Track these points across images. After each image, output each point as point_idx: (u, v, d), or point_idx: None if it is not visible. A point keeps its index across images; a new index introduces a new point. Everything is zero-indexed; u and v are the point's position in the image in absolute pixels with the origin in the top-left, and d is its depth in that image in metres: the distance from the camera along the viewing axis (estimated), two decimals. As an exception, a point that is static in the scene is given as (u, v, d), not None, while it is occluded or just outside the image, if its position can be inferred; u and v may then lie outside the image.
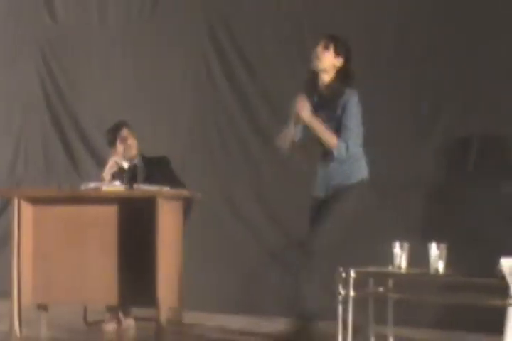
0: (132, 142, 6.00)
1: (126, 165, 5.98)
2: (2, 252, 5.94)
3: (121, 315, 5.86)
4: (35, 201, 5.54)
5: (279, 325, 5.86)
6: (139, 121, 6.35)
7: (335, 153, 4.73)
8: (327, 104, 4.81)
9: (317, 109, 4.80)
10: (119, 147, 6.00)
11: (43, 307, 5.70)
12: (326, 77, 4.86)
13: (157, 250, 5.24)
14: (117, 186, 5.58)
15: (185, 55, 7.04)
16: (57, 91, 7.71)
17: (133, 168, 5.97)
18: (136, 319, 5.89)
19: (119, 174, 5.93)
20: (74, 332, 5.73)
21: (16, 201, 5.47)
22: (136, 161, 6.01)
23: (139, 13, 7.34)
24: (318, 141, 4.80)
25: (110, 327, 5.81)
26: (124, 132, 6.01)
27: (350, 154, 4.74)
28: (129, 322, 5.89)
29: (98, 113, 7.35)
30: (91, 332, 5.78)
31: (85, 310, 5.90)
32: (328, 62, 4.83)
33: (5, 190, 6.01)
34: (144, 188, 5.46)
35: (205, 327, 5.98)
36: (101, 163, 6.32)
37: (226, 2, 6.93)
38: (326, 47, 4.83)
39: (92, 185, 5.50)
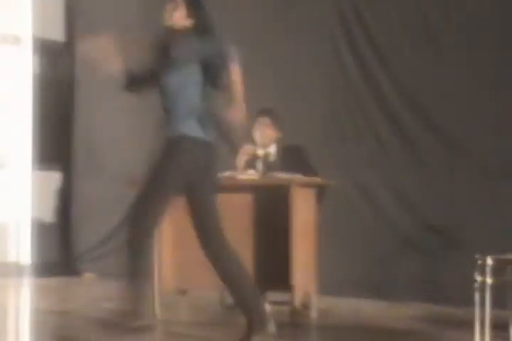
0: (268, 130, 6.04)
1: (261, 152, 6.08)
2: None
3: None
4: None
5: (412, 310, 5.96)
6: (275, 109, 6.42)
7: None
8: None
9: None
10: (256, 134, 6.07)
11: (182, 292, 5.92)
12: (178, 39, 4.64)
13: (292, 236, 5.35)
14: (252, 174, 5.71)
15: (315, 42, 7.09)
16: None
17: (267, 156, 6.06)
18: (271, 303, 5.98)
19: (253, 161, 6.04)
20: (211, 316, 5.92)
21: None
22: (270, 149, 6.08)
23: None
24: None
25: None
26: (262, 120, 6.05)
27: None
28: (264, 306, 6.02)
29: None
30: (227, 316, 5.92)
31: (222, 294, 6.03)
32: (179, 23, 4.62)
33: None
34: (278, 176, 5.58)
35: (339, 312, 6.10)
36: (235, 150, 6.44)
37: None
38: (176, 8, 4.63)
39: (227, 173, 5.65)
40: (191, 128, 4.46)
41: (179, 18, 4.60)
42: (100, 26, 8.30)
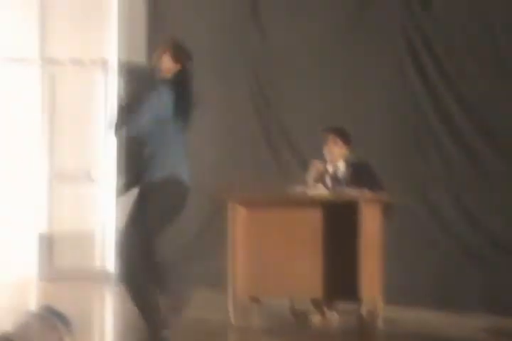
0: (336, 147, 6.28)
1: (330, 168, 6.35)
2: (219, 251, 6.48)
3: (325, 307, 6.19)
4: (247, 204, 6.05)
5: (477, 321, 6.15)
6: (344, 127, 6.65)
7: None
8: None
9: None
10: (325, 151, 6.32)
11: (255, 300, 6.19)
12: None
13: (360, 249, 5.62)
14: (321, 190, 6.00)
15: (384, 65, 7.35)
16: (265, 101, 8.29)
17: (336, 172, 6.31)
18: (340, 312, 6.22)
19: (322, 177, 6.29)
20: (282, 323, 6.19)
21: (230, 204, 6.03)
22: (339, 165, 6.33)
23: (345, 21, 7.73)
24: None
25: (315, 318, 6.18)
26: (331, 137, 6.31)
27: None
28: (332, 315, 6.21)
29: (303, 120, 7.79)
30: (298, 323, 6.19)
31: (292, 302, 6.30)
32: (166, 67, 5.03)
33: (221, 194, 6.53)
34: (346, 192, 5.86)
35: (405, 322, 6.28)
36: (305, 167, 6.74)
37: (417, 1, 7.22)
38: (164, 52, 5.05)
39: (298, 188, 5.95)
40: None
41: (166, 61, 5.04)
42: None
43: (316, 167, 6.31)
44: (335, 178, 6.26)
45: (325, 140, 6.33)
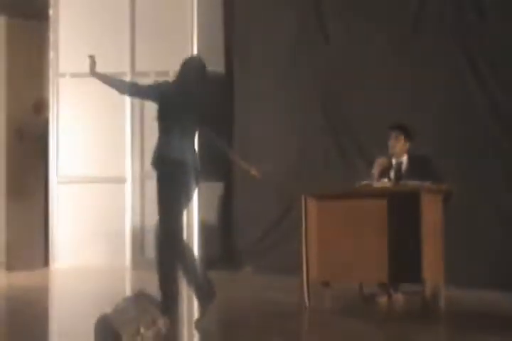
0: (399, 143, 6.74)
1: (394, 163, 6.80)
2: (294, 239, 6.98)
3: (391, 290, 6.66)
4: (318, 197, 6.52)
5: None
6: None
7: None
8: None
9: None
10: (390, 146, 6.79)
11: (326, 284, 6.62)
12: None
13: (422, 235, 6.03)
14: (385, 182, 6.49)
15: (440, 67, 7.89)
16: (333, 97, 8.85)
17: (399, 166, 6.76)
18: (404, 294, 6.65)
19: (387, 171, 6.76)
20: (351, 305, 6.66)
21: (303, 197, 6.52)
22: (402, 159, 6.78)
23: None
24: None
25: (382, 300, 6.65)
26: (395, 133, 6.77)
27: None
28: (397, 297, 6.67)
29: (369, 117, 8.31)
30: (366, 305, 6.65)
31: (361, 286, 6.75)
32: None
33: (297, 189, 7.10)
34: (409, 184, 6.35)
35: (465, 302, 6.71)
36: (370, 162, 7.25)
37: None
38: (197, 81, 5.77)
39: (364, 182, 6.46)
40: None
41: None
42: (256, 62, 9.38)
43: (379, 163, 6.76)
44: (398, 172, 6.71)
45: (389, 136, 6.80)
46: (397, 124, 6.85)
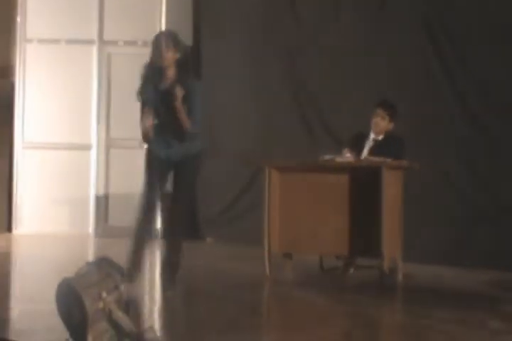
0: (381, 121, 6.76)
1: (371, 139, 6.83)
2: (256, 211, 7.04)
3: (349, 263, 6.75)
4: (282, 169, 6.59)
5: (484, 275, 6.75)
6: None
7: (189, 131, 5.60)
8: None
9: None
10: (372, 123, 6.80)
11: (287, 256, 6.72)
12: (170, 71, 5.65)
13: (382, 211, 6.13)
14: (348, 157, 6.55)
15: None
16: (300, 72, 8.88)
17: (375, 142, 6.81)
18: (363, 267, 6.74)
19: (362, 146, 6.80)
20: (311, 277, 6.75)
21: (267, 169, 6.59)
22: (379, 137, 6.82)
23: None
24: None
25: (341, 273, 6.75)
26: (378, 111, 6.78)
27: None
28: (355, 270, 6.77)
29: (336, 94, 8.38)
30: (325, 277, 6.76)
31: (321, 259, 6.86)
32: (170, 59, 5.59)
33: (260, 160, 7.14)
34: (371, 159, 6.44)
35: (421, 276, 6.83)
36: (336, 139, 7.30)
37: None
38: (168, 46, 5.56)
39: (327, 156, 6.53)
40: None
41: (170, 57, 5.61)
42: (225, 31, 9.35)
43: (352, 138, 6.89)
44: (374, 148, 6.78)
45: (374, 113, 6.81)
46: (385, 102, 6.86)
